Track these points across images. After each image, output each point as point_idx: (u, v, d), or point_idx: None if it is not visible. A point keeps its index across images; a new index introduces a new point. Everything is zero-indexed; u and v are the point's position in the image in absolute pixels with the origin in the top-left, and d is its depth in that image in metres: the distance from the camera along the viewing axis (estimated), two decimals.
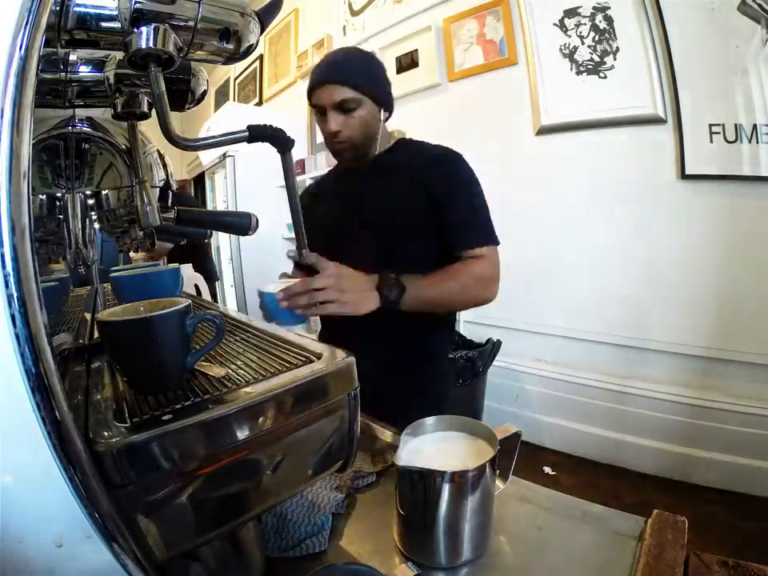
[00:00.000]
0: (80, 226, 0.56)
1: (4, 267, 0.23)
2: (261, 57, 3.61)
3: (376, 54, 0.97)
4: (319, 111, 0.86)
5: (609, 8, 1.75)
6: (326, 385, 0.40)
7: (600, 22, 1.78)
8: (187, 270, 1.97)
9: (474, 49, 2.16)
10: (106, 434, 0.30)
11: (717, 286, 1.62)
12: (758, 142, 1.51)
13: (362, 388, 0.44)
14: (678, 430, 1.68)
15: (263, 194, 2.87)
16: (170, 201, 0.63)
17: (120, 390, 0.39)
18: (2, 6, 0.25)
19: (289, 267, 1.14)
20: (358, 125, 0.85)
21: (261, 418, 0.36)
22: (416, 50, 2.36)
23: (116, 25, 0.36)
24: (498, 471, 0.50)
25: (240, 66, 3.88)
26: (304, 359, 0.43)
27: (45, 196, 0.53)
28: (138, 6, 0.34)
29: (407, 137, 1.01)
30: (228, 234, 2.69)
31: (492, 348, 1.89)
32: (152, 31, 0.35)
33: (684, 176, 1.64)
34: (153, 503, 0.31)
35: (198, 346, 0.40)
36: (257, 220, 0.61)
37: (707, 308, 1.64)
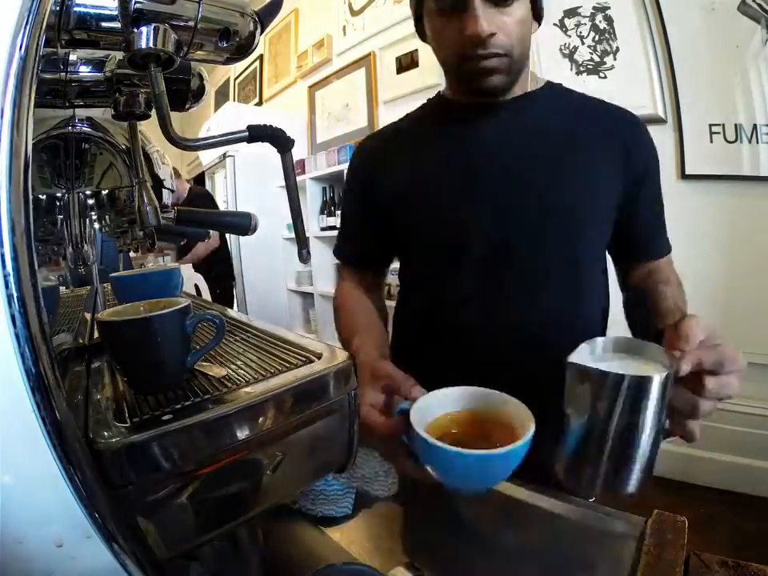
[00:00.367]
0: (80, 226, 0.56)
1: (4, 267, 0.23)
2: (261, 57, 3.61)
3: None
4: (448, 5, 0.55)
5: (609, 8, 1.75)
6: (326, 385, 0.40)
7: (600, 22, 1.78)
8: (187, 270, 1.97)
9: None
10: (105, 433, 0.30)
11: (716, 286, 1.62)
12: (758, 142, 1.51)
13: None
14: None
15: (263, 193, 2.87)
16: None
17: (120, 390, 0.39)
18: (2, 6, 0.25)
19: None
20: (517, 29, 0.56)
21: (261, 418, 0.35)
22: (416, 50, 2.36)
23: (116, 25, 0.36)
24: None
25: (240, 65, 3.88)
26: (304, 359, 0.43)
27: (45, 196, 0.53)
28: (137, 6, 0.34)
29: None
30: (228, 234, 2.69)
31: None
32: (152, 31, 0.35)
33: (684, 176, 1.64)
34: (153, 503, 0.31)
35: (198, 346, 0.40)
36: (256, 220, 0.60)
37: (707, 308, 1.64)
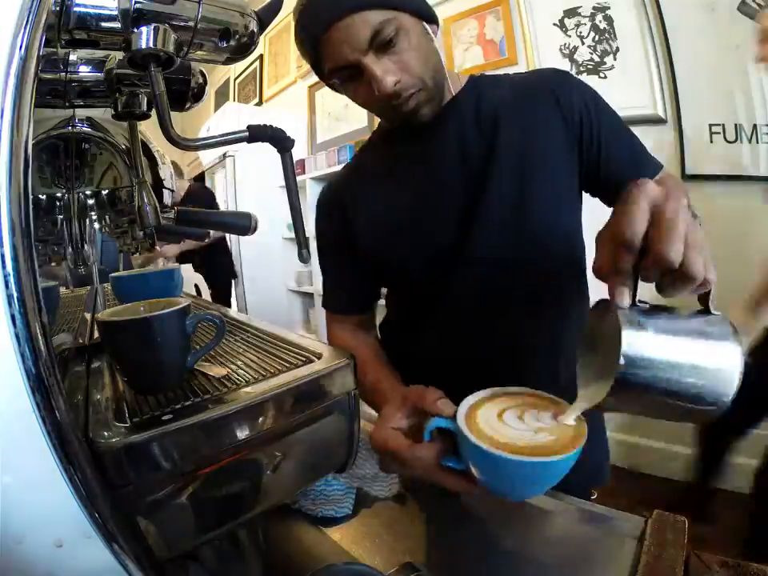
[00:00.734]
0: (80, 226, 0.56)
1: (4, 267, 0.23)
2: (261, 57, 3.60)
3: None
4: (347, 77, 0.56)
5: (609, 8, 1.75)
6: (326, 385, 0.40)
7: (600, 22, 1.78)
8: (187, 270, 1.97)
9: (474, 49, 2.16)
10: (106, 433, 0.30)
11: (716, 286, 1.61)
12: (758, 142, 1.51)
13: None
14: (678, 430, 1.68)
15: (263, 193, 2.87)
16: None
17: (120, 390, 0.39)
18: (2, 6, 0.25)
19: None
20: (415, 58, 0.55)
21: (261, 418, 0.35)
22: None
23: (116, 25, 0.36)
24: None
25: (240, 65, 3.87)
26: (304, 359, 0.43)
27: (45, 196, 0.53)
28: (137, 6, 0.34)
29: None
30: (228, 234, 2.69)
31: None
32: (152, 31, 0.35)
33: (684, 176, 1.64)
34: (153, 503, 0.31)
35: (198, 346, 0.40)
36: (256, 220, 0.60)
37: None
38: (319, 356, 0.43)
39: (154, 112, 0.42)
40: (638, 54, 1.69)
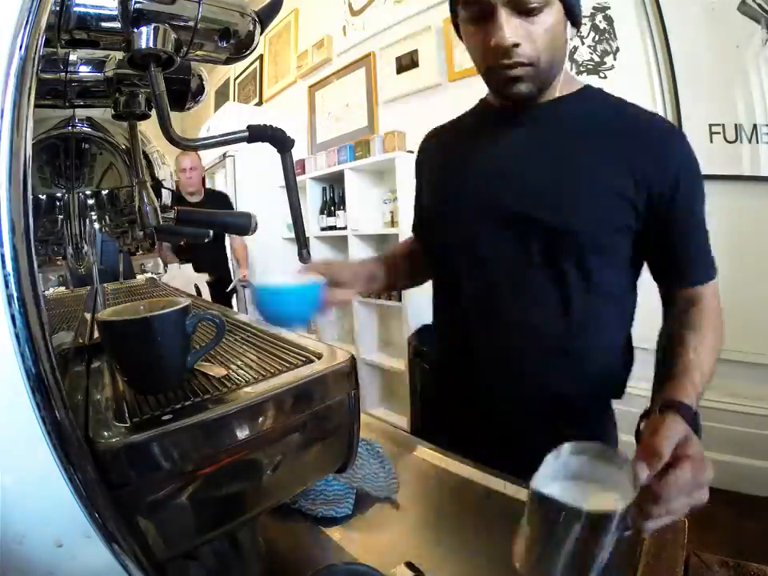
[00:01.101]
0: (80, 226, 0.56)
1: (4, 267, 0.23)
2: (261, 57, 3.61)
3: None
4: (475, 13, 0.56)
5: (609, 8, 1.75)
6: (326, 385, 0.40)
7: (600, 22, 1.78)
8: (187, 270, 1.97)
9: None
10: (105, 433, 0.30)
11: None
12: (758, 142, 1.51)
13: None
14: None
15: (263, 194, 2.87)
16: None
17: (120, 390, 0.39)
18: (2, 6, 0.25)
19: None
20: (545, 37, 0.55)
21: (261, 418, 0.35)
22: (416, 50, 2.36)
23: (116, 25, 0.36)
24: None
25: (240, 65, 3.88)
26: (304, 359, 0.43)
27: (45, 196, 0.53)
28: (137, 6, 0.35)
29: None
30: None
31: None
32: (152, 31, 0.35)
33: None
34: (153, 503, 0.31)
35: (198, 346, 0.40)
36: (257, 220, 0.61)
37: None
38: (319, 356, 0.43)
39: (153, 112, 0.42)
40: (638, 54, 1.69)
